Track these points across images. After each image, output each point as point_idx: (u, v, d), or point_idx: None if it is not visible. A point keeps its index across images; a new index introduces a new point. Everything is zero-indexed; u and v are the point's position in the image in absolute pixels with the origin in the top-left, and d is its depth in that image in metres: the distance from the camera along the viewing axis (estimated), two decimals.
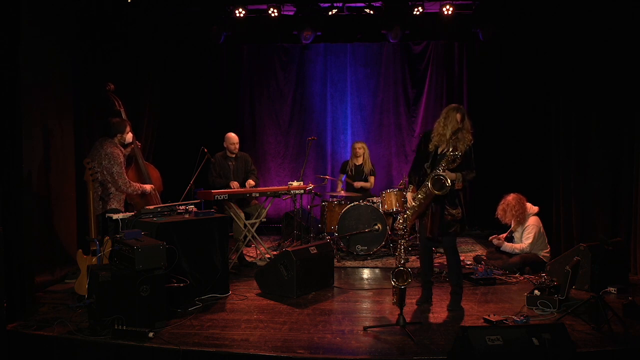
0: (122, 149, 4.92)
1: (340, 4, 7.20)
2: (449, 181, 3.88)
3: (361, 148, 6.97)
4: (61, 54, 5.13)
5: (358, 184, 6.89)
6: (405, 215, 4.07)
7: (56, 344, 3.62)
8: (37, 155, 4.75)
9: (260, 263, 5.84)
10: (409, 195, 4.26)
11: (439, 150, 4.18)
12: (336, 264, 5.60)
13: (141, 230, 4.04)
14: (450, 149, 4.05)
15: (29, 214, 4.40)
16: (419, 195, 4.12)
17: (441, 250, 5.71)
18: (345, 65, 8.16)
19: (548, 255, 5.40)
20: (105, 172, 4.67)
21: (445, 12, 6.93)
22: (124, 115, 5.23)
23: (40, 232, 4.77)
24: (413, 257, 5.85)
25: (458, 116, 4.12)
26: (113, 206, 4.74)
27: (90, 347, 3.54)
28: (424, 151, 4.26)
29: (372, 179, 7.01)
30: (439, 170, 4.01)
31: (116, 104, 5.32)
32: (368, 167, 6.97)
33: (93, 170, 4.43)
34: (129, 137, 5.01)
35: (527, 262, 5.33)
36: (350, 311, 4.31)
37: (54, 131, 4.99)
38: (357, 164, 6.99)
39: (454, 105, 4.25)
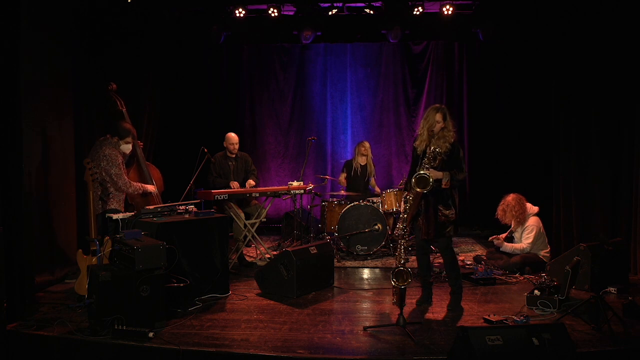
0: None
1: (340, 4, 7.20)
2: (431, 179, 3.88)
3: (368, 148, 6.99)
4: (61, 54, 5.13)
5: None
6: (404, 216, 4.07)
7: (56, 344, 3.62)
8: (37, 155, 4.75)
9: (260, 263, 5.84)
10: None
11: (426, 151, 4.21)
12: (336, 264, 5.60)
13: (141, 230, 4.04)
14: (432, 147, 4.10)
15: (29, 214, 4.39)
16: (409, 197, 4.13)
17: None
18: (345, 65, 8.16)
19: (548, 255, 5.40)
20: (104, 173, 4.66)
21: (445, 12, 6.92)
22: (126, 116, 5.27)
23: (40, 232, 4.77)
24: (413, 257, 5.79)
25: (438, 116, 4.15)
26: (113, 206, 4.73)
27: (90, 347, 3.54)
28: (415, 155, 4.33)
29: (373, 180, 7.08)
30: (423, 169, 4.03)
31: (118, 103, 5.33)
32: (371, 167, 7.02)
33: (93, 171, 4.42)
34: (128, 147, 4.95)
35: (527, 262, 5.33)
36: (350, 311, 4.31)
37: (54, 131, 4.99)
38: (362, 163, 7.00)
39: (435, 105, 4.30)
